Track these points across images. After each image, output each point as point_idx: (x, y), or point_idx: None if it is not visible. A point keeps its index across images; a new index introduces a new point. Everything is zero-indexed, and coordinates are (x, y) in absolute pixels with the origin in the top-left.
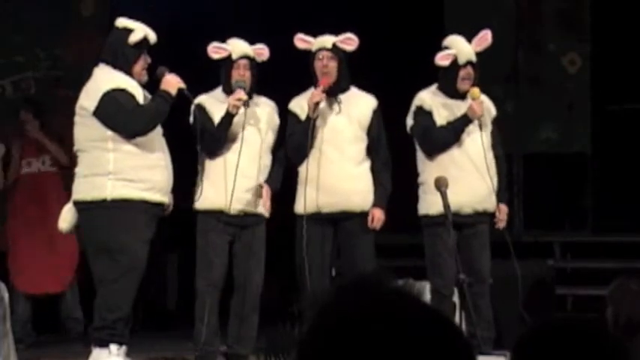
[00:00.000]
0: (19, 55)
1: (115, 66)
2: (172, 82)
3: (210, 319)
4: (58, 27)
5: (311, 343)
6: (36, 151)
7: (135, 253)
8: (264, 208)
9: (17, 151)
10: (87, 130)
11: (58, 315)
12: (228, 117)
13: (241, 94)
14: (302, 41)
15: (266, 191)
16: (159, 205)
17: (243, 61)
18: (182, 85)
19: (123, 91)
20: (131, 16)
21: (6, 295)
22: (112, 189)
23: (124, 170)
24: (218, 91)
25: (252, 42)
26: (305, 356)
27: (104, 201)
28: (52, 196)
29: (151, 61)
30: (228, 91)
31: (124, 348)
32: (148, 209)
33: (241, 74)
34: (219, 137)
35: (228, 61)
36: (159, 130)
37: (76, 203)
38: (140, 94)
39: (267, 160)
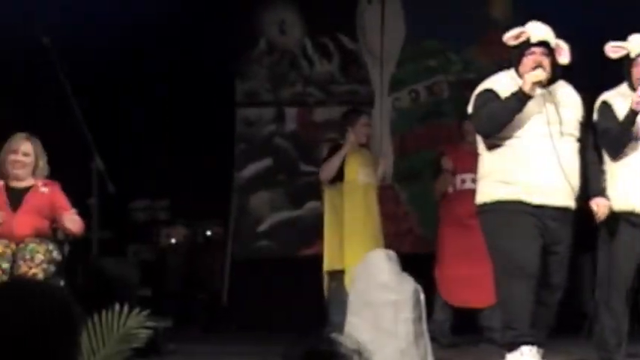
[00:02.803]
0: (432, 58)
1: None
2: (527, 79)
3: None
4: (469, 30)
5: None
6: (471, 166)
7: (517, 256)
8: None
9: (448, 164)
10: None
11: (475, 317)
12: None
13: None
14: (615, 49)
15: None
16: (549, 208)
17: None
18: (538, 78)
19: (489, 91)
20: (542, 18)
21: (422, 297)
22: (489, 192)
23: (497, 172)
24: (624, 87)
25: None
26: None
27: (485, 204)
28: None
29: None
30: (633, 87)
31: (536, 349)
32: (533, 212)
33: None
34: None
35: (626, 59)
36: (544, 131)
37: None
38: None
39: None
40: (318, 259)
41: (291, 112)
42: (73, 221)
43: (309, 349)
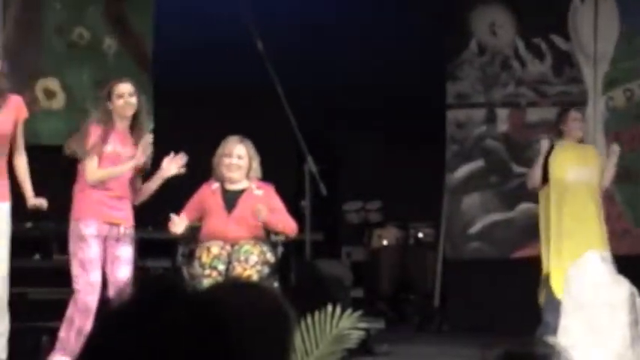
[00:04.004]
0: None
1: None
2: None
3: None
4: None
5: None
6: None
7: None
8: None
9: None
10: None
11: None
12: None
13: None
14: None
15: None
16: None
17: None
18: None
19: None
20: None
21: (638, 300)
22: None
23: None
24: None
25: None
26: None
27: None
28: None
29: None
30: None
31: None
32: None
33: None
34: None
35: None
36: None
37: None
38: None
39: None
40: (530, 261)
41: (502, 114)
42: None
43: (508, 351)
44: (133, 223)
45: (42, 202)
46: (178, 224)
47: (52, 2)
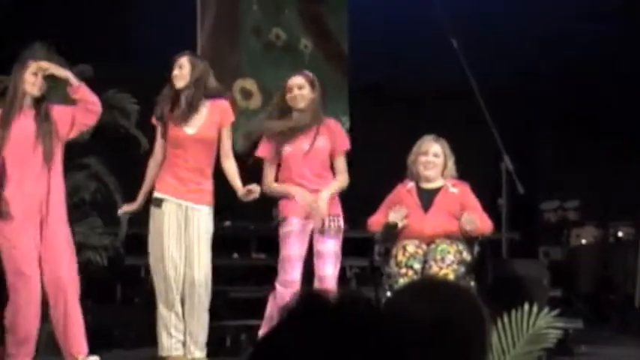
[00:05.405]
0: None
1: None
2: None
3: None
4: None
5: None
6: None
7: None
8: None
9: None
10: None
11: None
12: None
13: None
14: None
15: None
16: None
17: None
18: None
19: None
20: None
21: None
22: None
23: None
24: None
25: None
26: None
27: None
28: None
29: None
30: None
31: None
32: None
33: None
34: None
35: None
36: None
37: None
38: None
39: None
40: None
41: None
42: (471, 222)
43: None
44: (339, 212)
45: (252, 189)
46: (396, 215)
47: (249, 3)
